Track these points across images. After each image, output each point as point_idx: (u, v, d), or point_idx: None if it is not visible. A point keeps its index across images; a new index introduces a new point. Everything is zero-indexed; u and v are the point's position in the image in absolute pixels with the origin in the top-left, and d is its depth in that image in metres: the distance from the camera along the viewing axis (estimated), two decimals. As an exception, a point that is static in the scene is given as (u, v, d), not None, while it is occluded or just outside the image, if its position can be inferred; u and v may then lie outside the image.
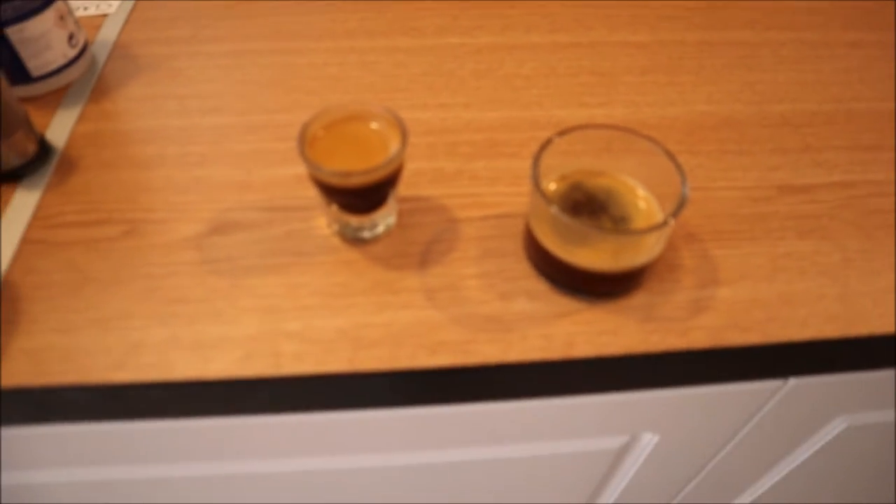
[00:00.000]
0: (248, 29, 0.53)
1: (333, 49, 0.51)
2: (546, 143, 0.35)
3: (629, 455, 0.48)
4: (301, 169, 0.42)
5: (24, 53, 0.42)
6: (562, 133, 0.36)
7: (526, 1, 0.58)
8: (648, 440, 0.46)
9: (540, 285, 0.36)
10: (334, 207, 0.37)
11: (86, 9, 0.53)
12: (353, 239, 0.38)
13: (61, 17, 0.44)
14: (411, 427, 0.41)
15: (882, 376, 0.43)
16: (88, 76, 0.47)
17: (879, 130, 0.47)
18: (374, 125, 0.36)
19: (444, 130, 0.45)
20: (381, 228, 0.39)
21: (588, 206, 0.36)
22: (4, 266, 0.36)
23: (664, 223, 0.32)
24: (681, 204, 0.33)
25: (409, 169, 0.42)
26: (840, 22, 0.57)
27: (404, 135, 0.35)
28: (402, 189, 0.41)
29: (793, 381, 0.41)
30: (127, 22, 0.53)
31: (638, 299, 0.36)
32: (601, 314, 0.35)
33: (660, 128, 0.46)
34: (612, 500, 0.56)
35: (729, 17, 0.57)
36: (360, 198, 0.35)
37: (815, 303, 0.36)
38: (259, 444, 0.41)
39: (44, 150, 0.41)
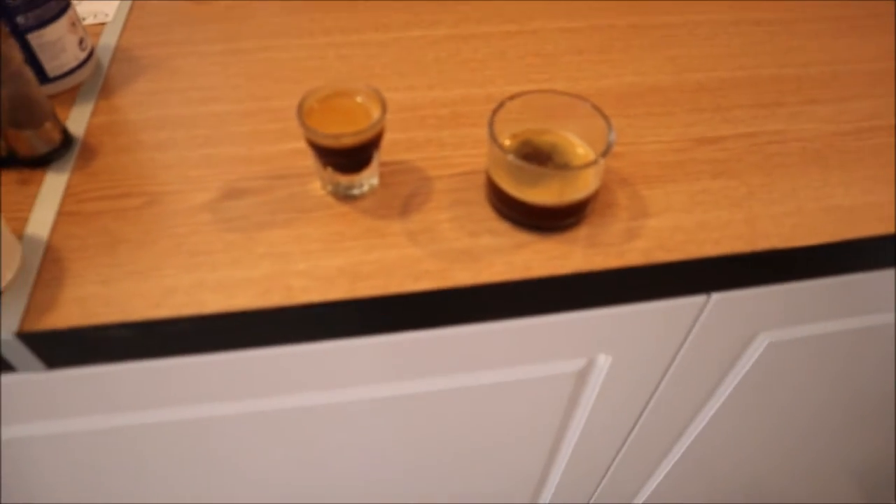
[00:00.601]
0: (236, 30, 0.60)
1: (313, 45, 0.58)
2: (500, 106, 0.43)
3: (590, 378, 0.56)
4: (295, 144, 0.49)
5: (43, 56, 0.49)
6: (512, 97, 0.44)
7: (476, 1, 0.66)
8: (604, 362, 0.54)
9: (501, 225, 0.44)
10: (328, 170, 0.44)
11: (84, 19, 0.59)
12: (345, 196, 0.45)
13: (73, 24, 0.50)
14: (399, 355, 0.48)
15: (787, 293, 0.51)
16: (96, 76, 0.54)
17: (778, 91, 0.56)
18: (358, 99, 0.44)
19: (414, 107, 0.53)
20: (366, 187, 0.46)
21: (536, 157, 0.44)
22: (46, 233, 0.42)
23: (595, 161, 0.40)
24: (608, 146, 0.41)
25: (387, 139, 0.49)
26: (747, 3, 0.67)
27: (383, 105, 0.42)
28: (383, 155, 0.48)
29: (715, 297, 0.49)
30: (124, 29, 0.59)
31: (582, 231, 0.44)
32: (553, 244, 0.43)
33: (595, 97, 0.54)
34: (579, 430, 0.64)
35: (652, 4, 0.66)
36: (350, 157, 0.43)
37: (726, 227, 0.45)
38: (275, 377, 0.47)
39: (67, 138, 0.47)
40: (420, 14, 0.63)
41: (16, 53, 0.41)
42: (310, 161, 0.47)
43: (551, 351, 0.51)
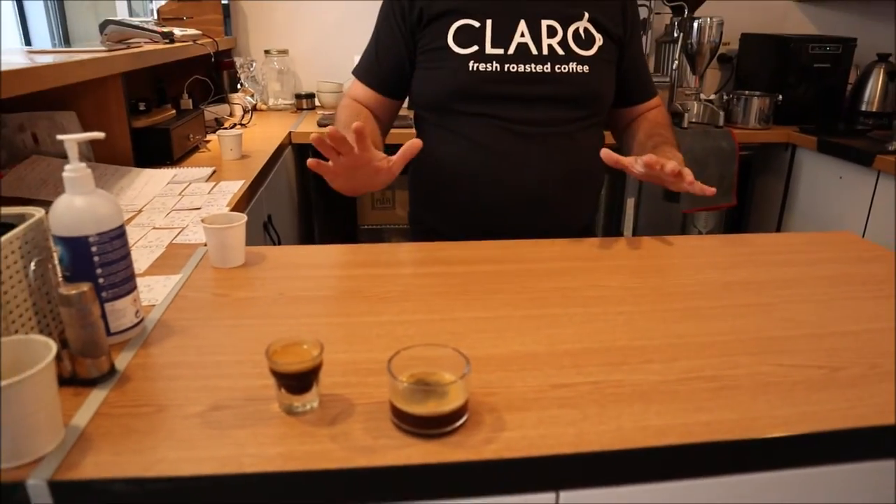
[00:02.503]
0: (243, 312, 0.86)
1: (293, 323, 0.83)
2: (395, 354, 0.65)
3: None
4: (265, 381, 0.70)
5: (110, 318, 0.74)
6: (406, 348, 0.66)
7: (414, 300, 0.92)
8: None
9: (397, 433, 0.62)
10: (282, 391, 0.64)
11: (142, 300, 0.86)
12: (293, 413, 0.65)
13: (134, 301, 0.76)
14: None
15: (628, 496, 0.66)
16: (142, 334, 0.78)
17: (624, 355, 0.77)
18: (305, 346, 0.66)
19: (354, 363, 0.75)
20: (308, 407, 0.65)
21: (424, 386, 0.64)
22: (83, 424, 0.62)
23: (455, 381, 0.60)
24: (465, 373, 0.61)
25: (328, 381, 0.70)
26: (616, 300, 0.92)
27: (321, 348, 0.65)
28: (324, 390, 0.68)
29: (563, 494, 0.64)
30: (167, 309, 0.86)
31: (453, 439, 0.62)
32: (430, 445, 0.61)
33: (486, 359, 0.76)
34: None
35: (542, 300, 0.91)
36: (297, 381, 0.63)
37: (561, 437, 0.62)
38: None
39: (113, 369, 0.69)
40: (373, 307, 0.89)
41: (95, 310, 0.66)
42: (272, 391, 0.67)
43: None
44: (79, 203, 0.70)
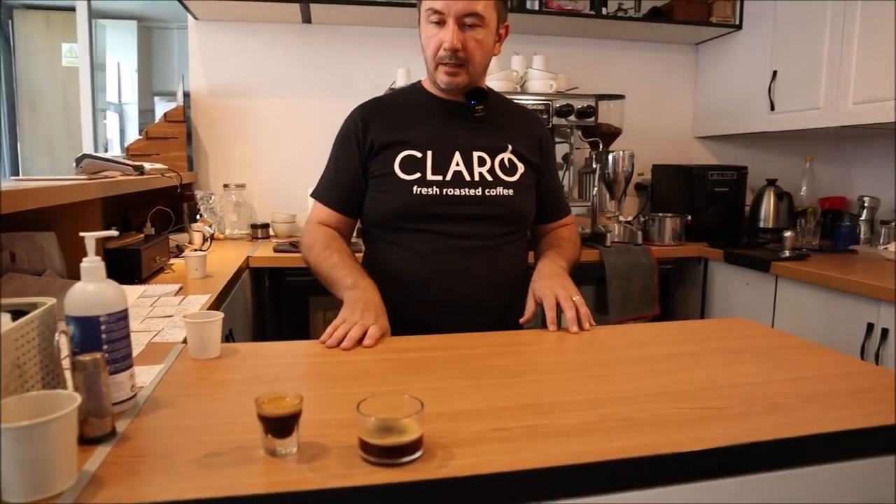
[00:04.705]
0: (220, 389, 0.98)
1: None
2: (363, 400, 0.79)
3: None
4: (249, 435, 0.81)
5: (113, 388, 0.85)
6: (372, 396, 0.80)
7: (373, 377, 1.06)
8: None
9: (364, 464, 0.75)
10: (268, 437, 0.77)
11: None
12: (275, 455, 0.77)
13: (132, 375, 0.88)
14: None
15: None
16: (135, 406, 0.89)
17: (551, 407, 0.92)
18: (287, 399, 0.79)
19: (325, 420, 0.87)
20: (288, 450, 0.77)
21: (388, 425, 0.78)
22: (93, 469, 0.72)
23: (410, 416, 0.75)
24: (417, 412, 0.76)
25: (308, 433, 0.82)
26: (544, 371, 1.08)
27: (301, 399, 0.78)
28: (305, 438, 0.80)
29: (514, 512, 0.76)
30: (154, 389, 0.97)
31: (412, 466, 0.75)
32: (394, 471, 0.74)
33: (437, 415, 0.89)
34: None
35: (484, 374, 1.07)
36: (280, 424, 0.76)
37: (500, 462, 0.76)
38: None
39: (114, 430, 0.80)
40: (338, 383, 1.03)
41: (105, 376, 0.78)
42: (257, 441, 0.79)
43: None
44: (91, 289, 0.84)
